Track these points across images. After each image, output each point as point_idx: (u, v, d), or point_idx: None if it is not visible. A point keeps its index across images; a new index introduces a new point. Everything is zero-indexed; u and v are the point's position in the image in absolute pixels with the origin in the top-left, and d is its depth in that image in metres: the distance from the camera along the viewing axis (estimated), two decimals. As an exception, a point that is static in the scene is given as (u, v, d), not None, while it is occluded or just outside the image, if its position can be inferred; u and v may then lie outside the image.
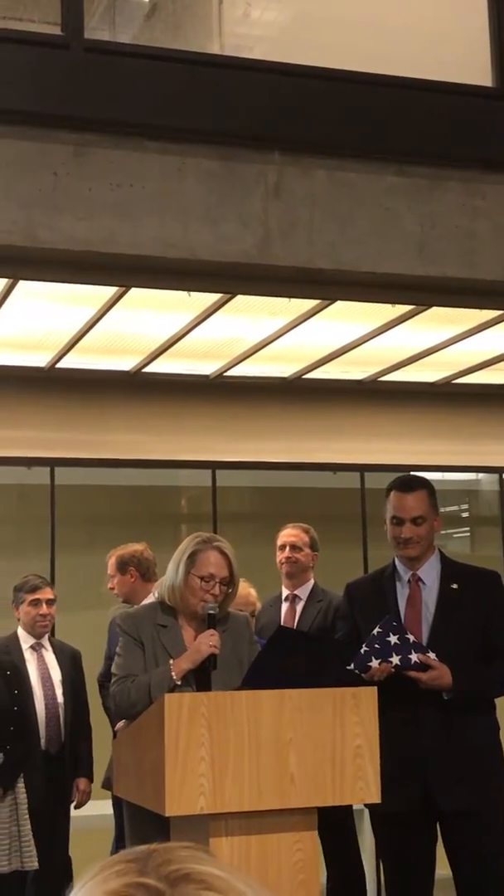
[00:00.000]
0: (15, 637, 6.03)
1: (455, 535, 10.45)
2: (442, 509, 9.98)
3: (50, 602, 6.04)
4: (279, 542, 6.22)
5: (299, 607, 6.16)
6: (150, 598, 5.77)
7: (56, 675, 6.00)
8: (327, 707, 3.50)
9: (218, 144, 5.12)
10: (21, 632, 6.03)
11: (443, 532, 10.08)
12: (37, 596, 5.98)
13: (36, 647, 6.02)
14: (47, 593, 6.04)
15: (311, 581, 6.22)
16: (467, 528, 10.53)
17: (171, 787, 3.32)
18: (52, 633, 7.21)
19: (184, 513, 9.43)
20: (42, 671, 5.98)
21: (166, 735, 3.33)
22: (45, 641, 6.08)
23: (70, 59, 4.91)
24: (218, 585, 3.88)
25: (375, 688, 3.70)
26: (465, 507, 10.44)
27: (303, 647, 3.84)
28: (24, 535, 8.91)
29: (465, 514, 10.49)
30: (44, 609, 5.99)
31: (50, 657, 6.05)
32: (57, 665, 6.03)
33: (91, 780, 6.04)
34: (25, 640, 6.00)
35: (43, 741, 5.85)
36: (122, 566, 6.15)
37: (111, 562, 6.22)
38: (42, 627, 6.02)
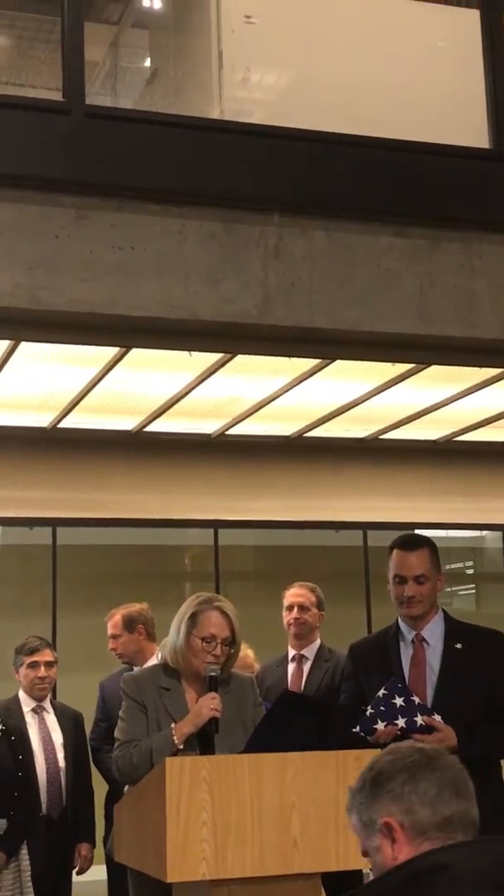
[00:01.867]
0: (16, 700, 5.96)
1: (460, 593, 10.41)
2: (447, 567, 9.97)
3: (49, 664, 5.97)
4: (286, 602, 6.17)
5: (306, 667, 6.11)
6: (154, 659, 5.73)
7: (58, 738, 5.93)
8: (330, 770, 3.46)
9: (218, 207, 5.17)
10: (22, 694, 5.97)
11: (448, 589, 10.07)
12: (35, 658, 5.92)
13: (37, 710, 5.96)
14: (46, 655, 5.98)
15: (318, 641, 6.16)
16: (473, 585, 10.50)
17: (173, 853, 3.27)
18: (54, 695, 7.15)
19: (186, 572, 9.41)
20: (43, 734, 5.91)
21: (167, 799, 3.28)
22: (47, 704, 6.01)
23: (71, 123, 4.98)
24: (220, 646, 3.85)
25: (379, 750, 3.66)
26: (469, 564, 10.42)
27: (307, 712, 3.80)
28: (26, 596, 8.89)
29: (469, 572, 10.47)
30: (42, 671, 5.92)
31: (51, 720, 5.98)
32: (59, 728, 5.96)
33: (93, 846, 5.95)
34: (27, 703, 5.94)
35: (44, 805, 5.77)
36: (130, 624, 6.08)
37: (115, 621, 6.14)
38: (41, 690, 5.95)
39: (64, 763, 5.87)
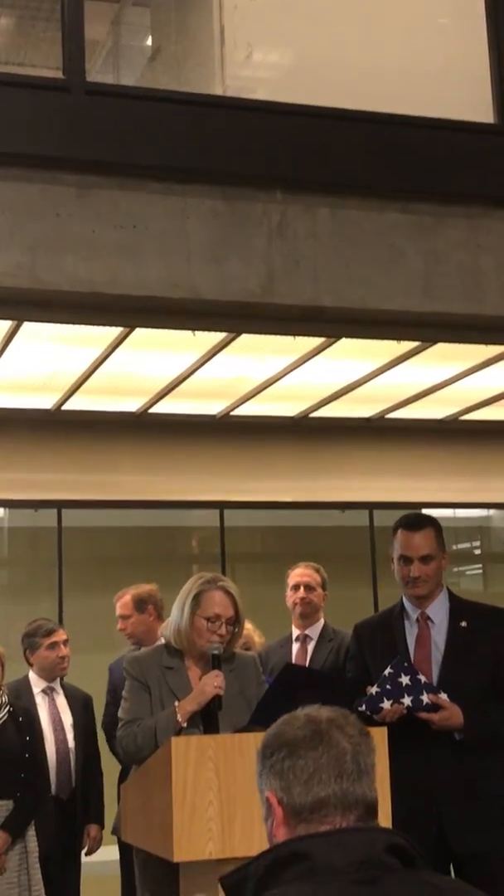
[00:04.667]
0: (26, 681, 5.96)
1: (468, 573, 10.39)
2: (454, 547, 9.95)
3: (65, 643, 6.00)
4: (291, 583, 6.16)
5: (310, 647, 6.10)
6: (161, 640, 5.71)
7: (67, 719, 5.93)
8: (337, 748, 3.44)
9: (221, 184, 5.13)
10: (33, 676, 5.96)
11: (455, 569, 10.05)
12: (54, 639, 5.93)
13: (48, 692, 5.96)
14: (62, 634, 5.99)
15: (322, 620, 6.16)
16: (479, 565, 10.48)
17: (179, 833, 3.27)
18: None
19: (192, 553, 9.40)
20: (53, 716, 5.91)
21: (173, 779, 3.27)
22: (57, 685, 6.01)
23: (72, 101, 4.94)
24: (224, 625, 3.83)
25: (385, 728, 3.65)
26: (476, 544, 10.39)
27: (310, 684, 3.79)
28: (32, 578, 8.88)
29: (476, 552, 10.45)
30: (63, 651, 5.94)
31: (61, 701, 5.98)
32: (68, 709, 5.96)
33: (102, 827, 5.95)
34: (37, 684, 5.94)
35: (53, 786, 5.78)
36: (141, 605, 6.07)
37: (125, 601, 6.12)
38: (62, 670, 5.98)
39: (73, 744, 5.88)
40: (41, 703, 5.89)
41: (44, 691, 5.94)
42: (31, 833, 5.36)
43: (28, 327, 5.80)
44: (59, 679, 6.03)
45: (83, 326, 5.72)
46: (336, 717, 1.91)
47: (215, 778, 3.31)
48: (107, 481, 8.15)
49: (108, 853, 6.03)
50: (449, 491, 8.83)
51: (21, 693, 5.85)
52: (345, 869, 1.67)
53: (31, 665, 5.97)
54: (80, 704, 6.02)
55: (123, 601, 6.14)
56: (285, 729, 1.90)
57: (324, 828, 1.77)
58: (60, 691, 6.00)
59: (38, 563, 8.77)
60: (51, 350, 6.35)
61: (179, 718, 3.73)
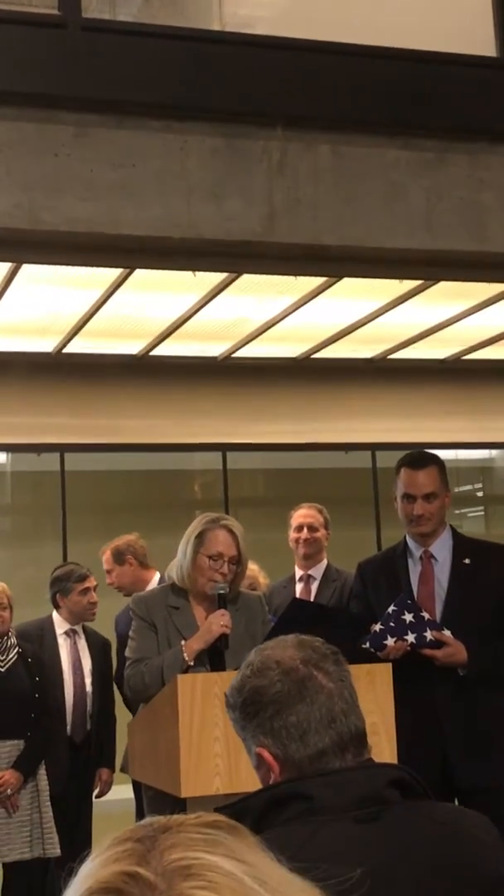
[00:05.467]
0: (50, 621, 6.01)
1: (470, 515, 10.40)
2: (456, 489, 9.93)
3: (95, 588, 6.06)
4: (294, 523, 6.18)
5: (314, 587, 6.13)
6: (152, 584, 5.75)
7: (87, 663, 5.99)
8: (342, 685, 3.46)
9: (220, 122, 5.06)
10: (57, 617, 6.01)
11: (457, 511, 10.06)
12: (86, 585, 5.99)
13: (70, 634, 6.01)
14: (93, 581, 6.06)
15: (325, 561, 6.19)
16: (482, 507, 10.49)
17: (186, 769, 3.30)
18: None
19: (194, 496, 9.40)
20: (74, 658, 5.97)
21: (180, 716, 3.30)
22: (80, 629, 6.06)
23: (68, 38, 4.86)
24: (227, 564, 3.85)
25: (390, 664, 3.67)
26: (479, 486, 10.39)
27: (318, 619, 3.80)
28: (36, 522, 8.90)
29: (479, 494, 10.45)
30: (94, 597, 6.01)
31: (82, 644, 6.03)
32: (88, 653, 6.02)
33: (114, 771, 6.03)
34: (60, 626, 5.99)
35: (68, 728, 5.84)
36: (119, 556, 6.13)
37: (106, 556, 6.20)
38: (92, 615, 6.06)
39: (91, 688, 5.94)
40: (63, 644, 5.95)
41: (66, 633, 5.99)
42: (42, 772, 5.44)
43: (27, 269, 5.76)
44: (82, 623, 6.08)
45: (82, 268, 5.68)
46: (305, 654, 1.85)
47: (221, 715, 3.32)
48: (109, 424, 8.13)
49: (120, 792, 6.10)
50: (451, 431, 8.81)
51: (45, 633, 5.91)
52: (345, 808, 1.67)
53: (58, 608, 6.01)
54: (99, 649, 6.08)
55: (105, 557, 6.22)
56: (261, 683, 1.83)
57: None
58: (83, 635, 6.05)
59: (41, 507, 8.79)
60: (50, 292, 6.30)
61: (186, 657, 3.76)
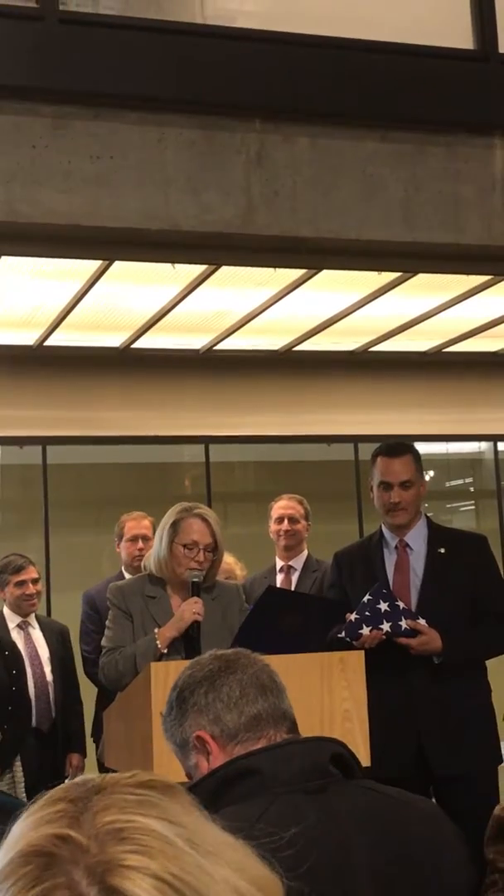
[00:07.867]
0: (1, 616, 6.03)
1: (461, 510, 10.44)
2: (446, 484, 9.93)
3: (35, 581, 6.04)
4: (275, 515, 6.20)
5: (295, 577, 6.16)
6: None
7: (44, 652, 6.01)
8: (314, 671, 3.49)
9: (198, 114, 5.07)
10: (7, 611, 6.04)
11: (447, 506, 10.10)
12: (22, 577, 5.99)
13: (23, 626, 6.03)
14: (32, 573, 6.04)
15: (305, 552, 6.21)
16: (472, 502, 10.51)
17: (160, 757, 3.31)
18: (49, 613, 7.21)
19: (177, 488, 9.41)
20: (30, 649, 5.98)
21: (153, 704, 3.31)
22: (32, 619, 6.08)
23: (45, 30, 4.86)
24: (202, 552, 3.87)
25: (363, 652, 3.69)
26: (469, 480, 10.42)
27: (292, 607, 3.83)
28: (18, 515, 8.91)
29: (471, 489, 10.48)
30: (30, 589, 6.00)
31: (37, 635, 6.05)
32: (44, 643, 6.04)
33: (84, 756, 6.05)
34: (11, 619, 6.02)
35: (34, 719, 5.86)
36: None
37: (147, 523, 6.13)
38: (30, 606, 6.04)
39: (51, 677, 5.95)
40: (17, 637, 5.97)
41: (19, 626, 6.01)
42: (18, 764, 5.47)
43: (6, 261, 5.76)
44: (33, 613, 6.10)
45: (62, 260, 5.69)
46: (238, 651, 2.01)
47: (195, 703, 3.35)
48: (91, 417, 8.14)
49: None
50: (433, 423, 8.84)
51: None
52: (293, 780, 1.72)
53: (3, 600, 6.05)
54: (56, 637, 6.09)
55: (146, 522, 6.16)
56: (194, 671, 1.97)
57: (261, 743, 1.82)
58: (36, 625, 6.07)
59: (23, 500, 8.79)
60: (30, 285, 6.31)
61: (159, 644, 3.77)
